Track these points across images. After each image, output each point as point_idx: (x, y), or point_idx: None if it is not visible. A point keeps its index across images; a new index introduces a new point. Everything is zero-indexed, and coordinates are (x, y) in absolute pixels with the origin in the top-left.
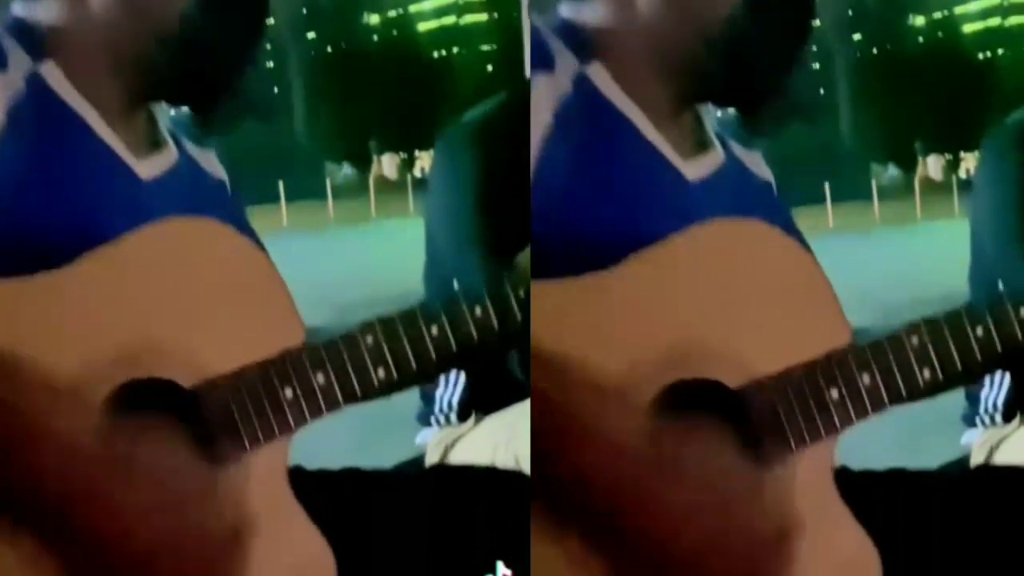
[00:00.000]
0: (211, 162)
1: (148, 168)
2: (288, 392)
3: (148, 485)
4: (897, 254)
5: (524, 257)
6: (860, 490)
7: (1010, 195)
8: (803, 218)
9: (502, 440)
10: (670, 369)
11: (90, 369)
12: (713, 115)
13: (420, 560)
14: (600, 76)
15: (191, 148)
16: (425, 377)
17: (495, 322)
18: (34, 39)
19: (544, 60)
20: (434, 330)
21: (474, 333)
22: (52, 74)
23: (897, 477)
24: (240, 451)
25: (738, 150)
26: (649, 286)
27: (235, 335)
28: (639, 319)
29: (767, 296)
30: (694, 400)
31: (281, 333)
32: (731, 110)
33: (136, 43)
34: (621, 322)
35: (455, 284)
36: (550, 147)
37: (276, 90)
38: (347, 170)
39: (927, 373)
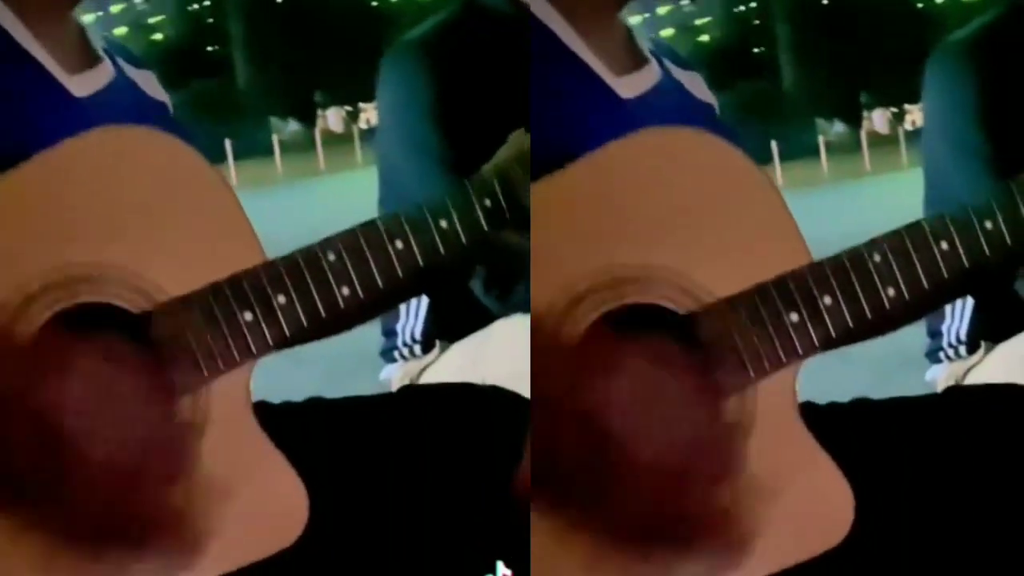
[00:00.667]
0: (150, 83)
1: (82, 85)
2: (247, 315)
3: (98, 422)
4: (848, 208)
5: (490, 169)
6: (828, 424)
7: (966, 109)
8: None
9: (468, 365)
10: (611, 293)
11: (21, 294)
12: (647, 35)
13: (398, 488)
14: None
15: (129, 69)
16: (392, 297)
17: (462, 235)
18: None
19: None
20: (398, 244)
21: (440, 247)
22: None
23: (864, 407)
24: (198, 381)
25: (676, 71)
26: (582, 197)
27: (187, 254)
28: (572, 235)
29: (717, 212)
30: (641, 327)
31: (238, 252)
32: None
33: None
34: (550, 242)
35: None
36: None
37: (218, 48)
38: (293, 125)
39: (891, 291)
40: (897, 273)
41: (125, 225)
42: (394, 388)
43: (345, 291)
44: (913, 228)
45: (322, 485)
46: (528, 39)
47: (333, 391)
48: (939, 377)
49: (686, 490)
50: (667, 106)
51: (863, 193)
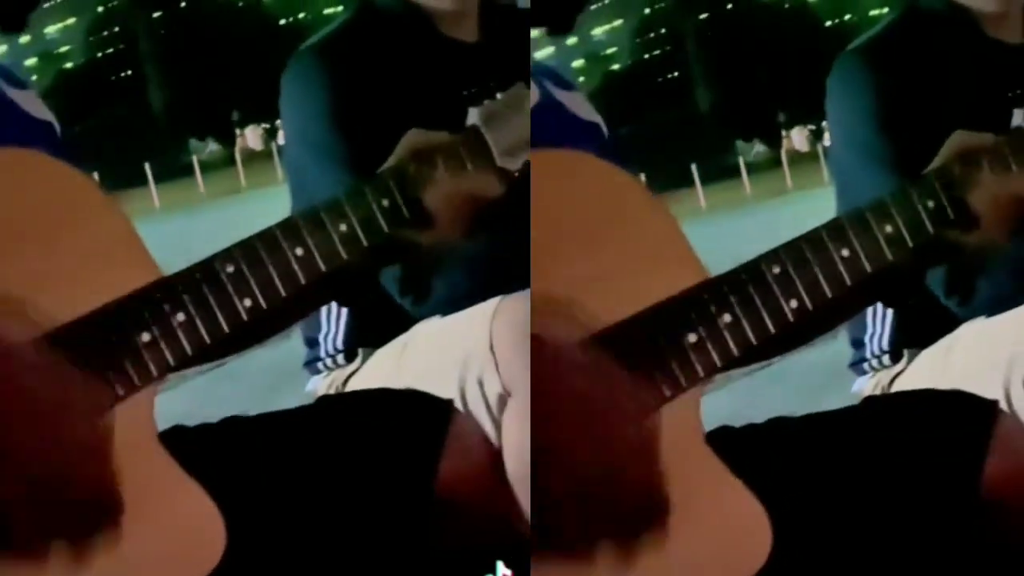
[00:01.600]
0: (32, 102)
1: None
2: (145, 335)
3: None
4: (772, 227)
5: (387, 169)
6: (745, 446)
7: (866, 114)
8: (675, 202)
9: (392, 371)
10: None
11: None
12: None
13: (321, 498)
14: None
15: (9, 90)
16: (300, 306)
17: (362, 237)
18: None
19: None
20: (298, 251)
21: (341, 251)
22: None
23: (781, 425)
24: (98, 410)
25: (556, 92)
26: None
27: (77, 278)
28: None
29: (608, 236)
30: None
31: (131, 273)
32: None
33: None
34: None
35: (316, 206)
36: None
37: (129, 72)
38: (212, 146)
39: (794, 303)
40: (798, 283)
41: (10, 251)
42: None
43: (247, 303)
44: (796, 239)
45: (242, 507)
46: (421, 39)
47: (259, 406)
48: (864, 388)
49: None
50: (548, 126)
51: (787, 211)
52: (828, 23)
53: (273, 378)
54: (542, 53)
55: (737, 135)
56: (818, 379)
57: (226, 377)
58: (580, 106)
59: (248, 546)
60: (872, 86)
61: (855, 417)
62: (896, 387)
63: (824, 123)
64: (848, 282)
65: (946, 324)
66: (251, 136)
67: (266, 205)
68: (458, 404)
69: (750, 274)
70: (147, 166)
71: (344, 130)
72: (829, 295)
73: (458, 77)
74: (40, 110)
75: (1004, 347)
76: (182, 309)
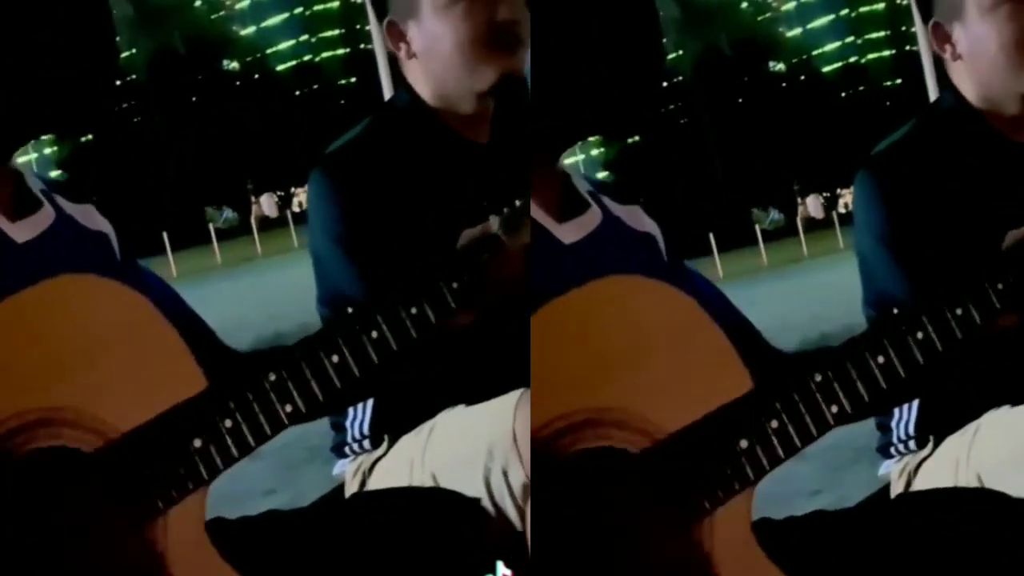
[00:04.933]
0: (90, 216)
1: (23, 231)
2: (197, 442)
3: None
4: (788, 294)
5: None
6: (785, 538)
7: (887, 221)
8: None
9: (417, 458)
10: (571, 438)
11: None
12: (582, 178)
13: None
14: None
15: (67, 206)
16: (335, 404)
17: (392, 343)
18: None
19: None
20: (335, 359)
21: (374, 356)
22: None
23: (819, 519)
24: (153, 512)
25: (615, 207)
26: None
27: (132, 391)
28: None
29: (660, 352)
30: (601, 469)
31: (180, 383)
32: (605, 174)
33: None
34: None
35: (349, 311)
36: None
37: (147, 143)
38: (228, 214)
39: (835, 408)
40: (839, 391)
41: (73, 368)
42: (347, 483)
43: (288, 408)
44: (850, 347)
45: None
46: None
47: (286, 486)
48: (892, 471)
49: None
50: (609, 243)
51: (803, 278)
52: (842, 94)
53: (299, 455)
54: (571, 159)
55: (753, 203)
56: (844, 458)
57: (254, 459)
58: (637, 219)
59: None
60: (887, 193)
61: (889, 513)
62: (922, 472)
63: (838, 190)
64: (884, 386)
65: (971, 411)
66: (266, 203)
67: (281, 271)
68: (483, 493)
69: (795, 383)
70: (164, 234)
71: (361, 232)
72: (866, 399)
73: (471, 176)
74: (96, 222)
75: None
76: (229, 416)
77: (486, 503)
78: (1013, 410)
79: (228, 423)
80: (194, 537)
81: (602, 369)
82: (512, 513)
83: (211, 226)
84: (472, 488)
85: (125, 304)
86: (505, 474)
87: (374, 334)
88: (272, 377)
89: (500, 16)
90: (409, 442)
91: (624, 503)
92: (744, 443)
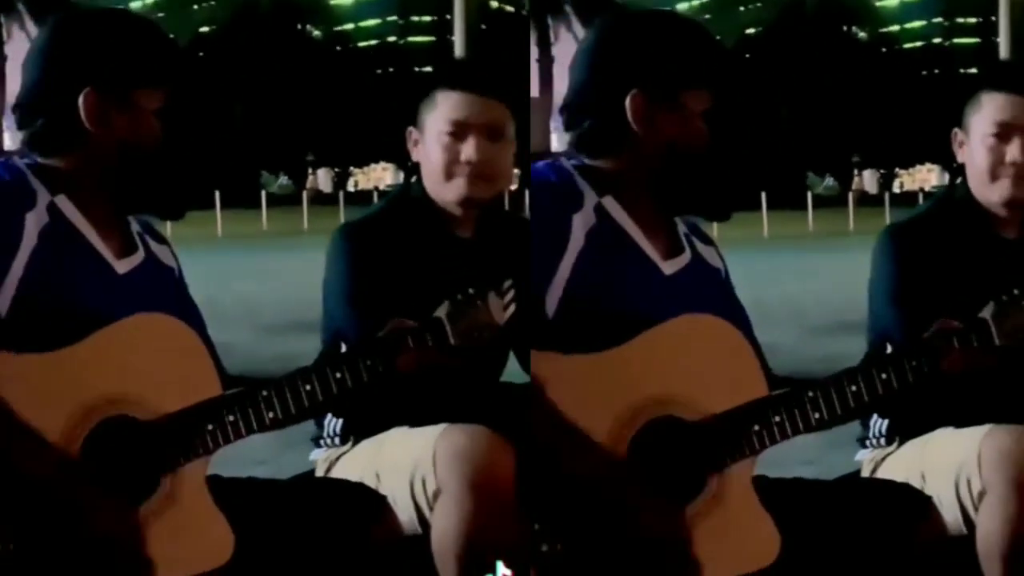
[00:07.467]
0: (166, 254)
1: (124, 266)
2: (209, 425)
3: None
4: (828, 267)
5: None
6: (771, 492)
7: (894, 278)
8: (739, 226)
9: (372, 457)
10: (646, 413)
11: (72, 421)
12: (682, 225)
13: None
14: (611, 205)
15: (153, 245)
16: (305, 417)
17: (349, 382)
18: (50, 178)
19: (574, 197)
20: (308, 387)
21: (334, 388)
22: (65, 205)
23: (797, 484)
24: (174, 464)
25: (699, 246)
26: (637, 364)
27: (175, 391)
28: (631, 384)
29: (713, 366)
30: (662, 434)
31: (204, 388)
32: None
33: (123, 175)
34: (617, 387)
35: (343, 347)
36: (581, 259)
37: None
38: (283, 180)
39: (817, 415)
40: (821, 405)
41: (144, 375)
42: (318, 468)
43: (271, 415)
44: (835, 380)
45: (243, 535)
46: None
47: (274, 460)
48: (864, 459)
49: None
50: (694, 276)
51: (845, 253)
52: (922, 73)
53: (295, 438)
54: None
55: (810, 167)
56: (841, 440)
57: (254, 441)
58: (712, 256)
59: (244, 561)
60: (898, 257)
61: (853, 489)
62: (885, 464)
63: (896, 169)
64: (853, 407)
65: (929, 425)
66: (322, 178)
67: (322, 254)
68: (408, 492)
69: (793, 395)
70: (216, 193)
71: (359, 293)
72: (839, 412)
73: (453, 264)
74: (169, 259)
75: (960, 454)
76: (232, 412)
77: (408, 499)
78: (955, 432)
79: (231, 417)
80: (197, 484)
81: (678, 376)
82: (425, 510)
83: (263, 192)
84: (402, 488)
85: (182, 339)
86: (423, 481)
87: (338, 375)
88: (264, 392)
89: (464, 157)
90: (367, 446)
91: (674, 458)
92: (756, 427)
